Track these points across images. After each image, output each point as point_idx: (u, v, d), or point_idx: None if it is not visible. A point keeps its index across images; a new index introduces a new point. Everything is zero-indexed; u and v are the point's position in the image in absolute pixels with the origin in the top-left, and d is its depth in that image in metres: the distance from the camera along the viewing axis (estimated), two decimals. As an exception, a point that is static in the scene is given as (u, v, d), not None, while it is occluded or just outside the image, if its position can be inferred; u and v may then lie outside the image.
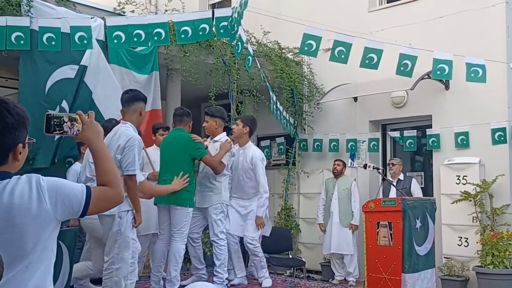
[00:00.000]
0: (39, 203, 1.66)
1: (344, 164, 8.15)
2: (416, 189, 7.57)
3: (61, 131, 1.84)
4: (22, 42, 5.45)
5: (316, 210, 8.34)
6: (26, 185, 1.68)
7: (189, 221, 5.34)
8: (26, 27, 5.49)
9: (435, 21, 8.04)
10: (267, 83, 7.58)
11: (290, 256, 8.33)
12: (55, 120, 1.83)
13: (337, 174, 8.02)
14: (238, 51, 6.51)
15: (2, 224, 1.63)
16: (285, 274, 8.10)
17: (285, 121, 8.65)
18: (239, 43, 6.43)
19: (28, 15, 5.71)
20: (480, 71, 6.66)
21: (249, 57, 6.82)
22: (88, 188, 1.77)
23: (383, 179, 7.74)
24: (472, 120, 7.61)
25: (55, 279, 3.64)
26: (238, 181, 6.12)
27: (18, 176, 1.72)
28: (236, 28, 6.06)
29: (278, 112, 8.24)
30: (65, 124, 1.84)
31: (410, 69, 6.57)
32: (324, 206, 8.10)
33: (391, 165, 7.77)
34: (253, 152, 6.06)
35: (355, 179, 8.11)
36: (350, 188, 7.86)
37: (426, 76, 7.52)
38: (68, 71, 6.11)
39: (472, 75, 6.71)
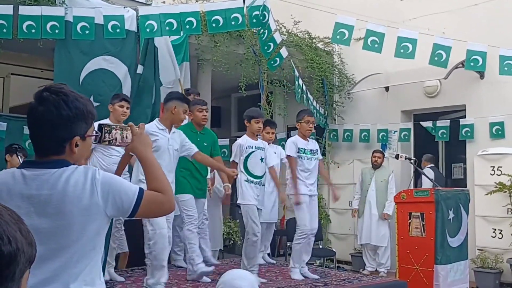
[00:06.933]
0: (91, 195, 1.68)
1: (383, 156, 8.06)
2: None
3: (112, 141, 1.87)
4: (57, 31, 5.50)
5: (346, 200, 8.27)
6: (82, 176, 1.69)
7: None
8: (61, 16, 5.54)
9: (470, 9, 7.87)
10: (295, 73, 7.49)
11: (320, 246, 8.31)
12: (106, 128, 1.85)
13: (377, 166, 7.94)
14: (263, 39, 6.42)
15: (53, 210, 1.65)
16: (315, 264, 8.08)
17: (315, 111, 8.58)
18: (265, 31, 6.35)
19: (62, 6, 5.79)
20: (514, 64, 6.50)
21: (270, 43, 6.63)
22: (141, 189, 1.77)
23: (416, 170, 7.63)
24: (508, 110, 7.45)
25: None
26: None
27: (76, 166, 1.73)
28: (267, 17, 6.02)
29: (309, 101, 8.19)
30: (115, 134, 1.86)
31: (444, 59, 6.44)
32: (359, 196, 8.05)
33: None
34: None
35: (393, 171, 8.02)
36: (388, 180, 7.81)
37: (460, 65, 7.37)
38: (101, 62, 6.16)
39: (506, 68, 6.57)
